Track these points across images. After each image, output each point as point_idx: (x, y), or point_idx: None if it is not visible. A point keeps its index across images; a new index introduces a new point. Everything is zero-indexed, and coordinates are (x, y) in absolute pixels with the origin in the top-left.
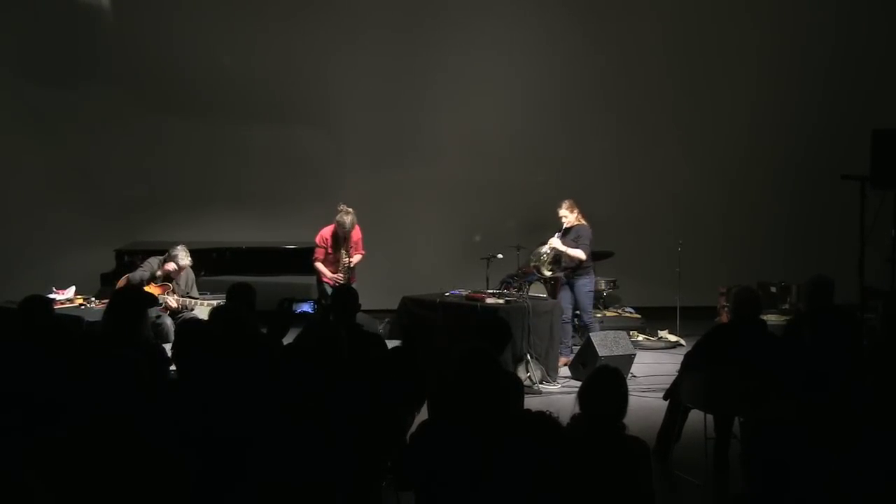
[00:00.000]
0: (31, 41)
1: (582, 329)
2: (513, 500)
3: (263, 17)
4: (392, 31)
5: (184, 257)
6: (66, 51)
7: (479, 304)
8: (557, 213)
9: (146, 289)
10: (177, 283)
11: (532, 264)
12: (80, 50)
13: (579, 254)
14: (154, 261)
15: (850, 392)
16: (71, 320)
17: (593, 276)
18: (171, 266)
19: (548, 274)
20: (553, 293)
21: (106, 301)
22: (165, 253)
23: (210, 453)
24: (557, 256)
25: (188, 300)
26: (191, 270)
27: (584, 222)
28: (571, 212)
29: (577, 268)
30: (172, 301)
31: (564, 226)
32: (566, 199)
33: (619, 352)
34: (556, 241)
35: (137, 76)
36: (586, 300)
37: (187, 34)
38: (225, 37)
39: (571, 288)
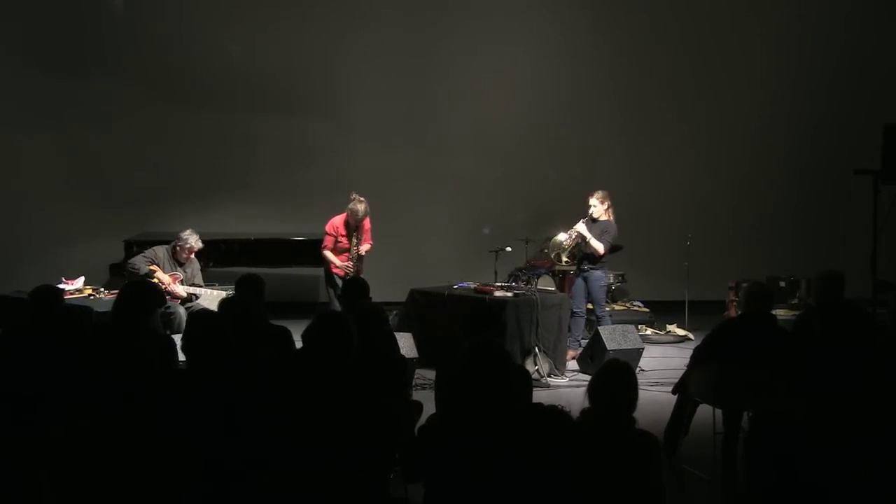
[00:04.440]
0: (38, 31)
1: (591, 322)
2: (521, 493)
3: (272, 6)
4: (402, 22)
5: (197, 239)
6: (74, 41)
7: (487, 296)
8: (587, 202)
9: (159, 275)
10: (183, 271)
11: (552, 254)
12: (88, 40)
13: (599, 247)
14: (160, 249)
15: (861, 387)
16: (81, 311)
17: (607, 270)
18: (188, 251)
19: (565, 261)
20: (561, 286)
21: (115, 291)
22: (172, 242)
23: (218, 446)
24: (578, 244)
25: (196, 288)
26: (195, 258)
27: (611, 218)
28: (602, 203)
29: (592, 261)
30: (182, 291)
31: (592, 216)
32: (600, 189)
33: (627, 345)
34: (581, 227)
35: (146, 66)
36: (600, 294)
37: (196, 24)
38: (234, 27)
39: (585, 280)
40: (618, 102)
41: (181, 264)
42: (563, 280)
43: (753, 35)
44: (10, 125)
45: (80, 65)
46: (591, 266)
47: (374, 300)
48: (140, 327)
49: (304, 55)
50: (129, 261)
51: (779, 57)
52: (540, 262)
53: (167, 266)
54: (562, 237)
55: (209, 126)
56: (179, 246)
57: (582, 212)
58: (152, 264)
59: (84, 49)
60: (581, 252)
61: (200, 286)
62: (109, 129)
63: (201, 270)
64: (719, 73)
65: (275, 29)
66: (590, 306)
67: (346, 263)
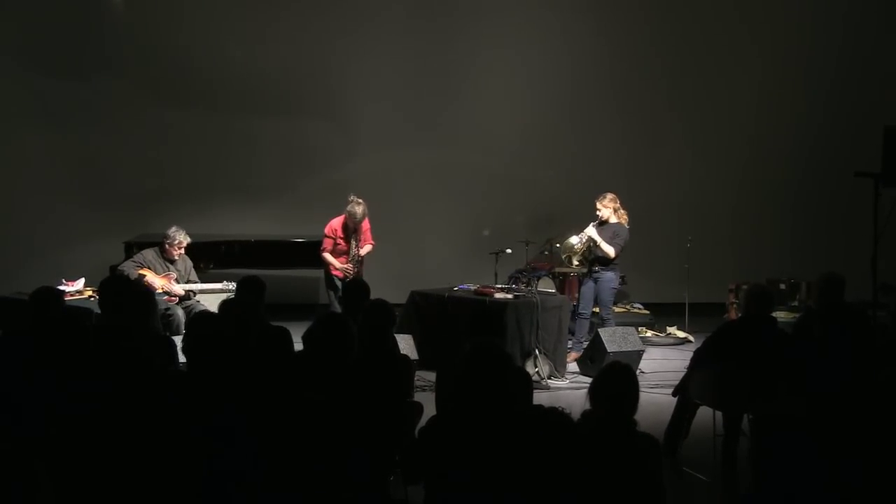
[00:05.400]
0: (40, 32)
1: (594, 325)
2: (522, 496)
3: (273, 7)
4: (403, 23)
5: (184, 234)
6: (75, 42)
7: (487, 298)
8: (595, 205)
9: (150, 279)
10: (176, 269)
11: (563, 256)
12: (90, 42)
13: (610, 250)
14: (148, 252)
15: (861, 389)
16: (81, 312)
17: (618, 273)
18: (177, 247)
19: (576, 264)
20: (562, 288)
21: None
22: (159, 244)
23: (218, 447)
24: (589, 247)
25: (193, 285)
26: (187, 256)
27: (623, 221)
28: (608, 206)
29: (603, 263)
30: (179, 289)
31: (601, 219)
32: (607, 192)
33: (627, 348)
34: (592, 231)
35: (147, 68)
36: (608, 296)
37: (197, 26)
38: (235, 28)
39: (596, 282)
40: (618, 104)
41: (172, 262)
42: (563, 282)
43: (753, 37)
44: (11, 127)
45: (81, 67)
46: (602, 268)
47: None
48: (133, 326)
49: (304, 56)
50: (119, 267)
51: (778, 59)
52: (540, 263)
53: (158, 267)
54: (574, 240)
55: (210, 128)
56: (168, 244)
57: (584, 213)
58: (142, 268)
59: (85, 51)
60: (592, 255)
61: (196, 281)
62: (110, 131)
63: (200, 271)
64: (719, 74)
65: (275, 30)
66: (595, 309)
67: (345, 266)
